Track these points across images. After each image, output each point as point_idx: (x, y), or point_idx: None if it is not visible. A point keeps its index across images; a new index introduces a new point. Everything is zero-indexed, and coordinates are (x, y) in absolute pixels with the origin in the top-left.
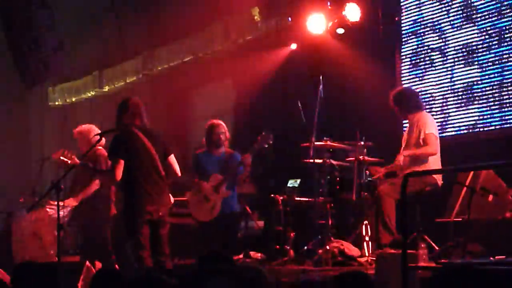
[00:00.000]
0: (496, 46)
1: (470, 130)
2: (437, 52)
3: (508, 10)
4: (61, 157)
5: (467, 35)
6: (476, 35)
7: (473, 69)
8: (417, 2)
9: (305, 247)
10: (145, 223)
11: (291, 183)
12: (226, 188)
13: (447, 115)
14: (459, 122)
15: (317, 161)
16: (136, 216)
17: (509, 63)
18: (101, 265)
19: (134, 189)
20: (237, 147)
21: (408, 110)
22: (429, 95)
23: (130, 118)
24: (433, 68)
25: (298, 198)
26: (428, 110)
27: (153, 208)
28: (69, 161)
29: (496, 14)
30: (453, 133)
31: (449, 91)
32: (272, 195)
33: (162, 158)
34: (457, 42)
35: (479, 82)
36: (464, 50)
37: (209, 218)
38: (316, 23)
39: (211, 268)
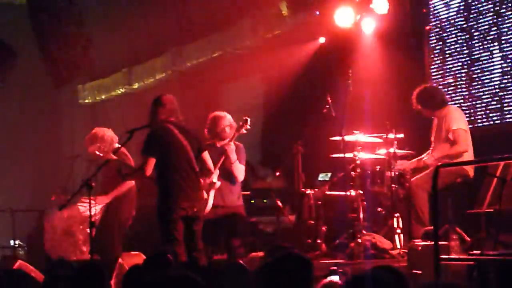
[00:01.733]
0: None
1: (501, 120)
2: (465, 43)
3: None
4: (97, 152)
5: (496, 25)
6: (506, 24)
7: (502, 59)
8: None
9: (337, 241)
10: (180, 219)
11: (322, 176)
12: (225, 181)
13: (476, 105)
14: (489, 112)
15: (347, 154)
16: (171, 212)
17: None
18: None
19: (168, 185)
20: (268, 142)
21: (434, 107)
22: (458, 87)
23: (165, 114)
24: (462, 59)
25: (329, 192)
26: (457, 102)
27: (188, 204)
28: (103, 155)
29: None
30: (483, 123)
31: (478, 82)
32: (303, 189)
33: (196, 154)
34: (486, 32)
35: (509, 72)
36: (492, 41)
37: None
38: (344, 16)
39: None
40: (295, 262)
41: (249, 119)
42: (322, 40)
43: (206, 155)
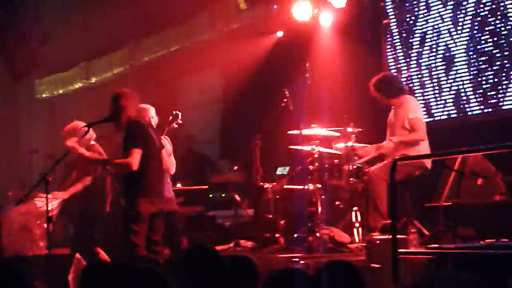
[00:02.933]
0: (485, 24)
1: (458, 114)
2: (422, 36)
3: None
4: (74, 145)
5: (451, 19)
6: (462, 16)
7: (459, 52)
8: None
9: (296, 235)
10: (149, 214)
11: (280, 170)
12: None
13: (434, 99)
14: (446, 106)
15: (305, 148)
16: (139, 206)
17: (495, 50)
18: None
19: (143, 180)
20: (226, 136)
21: (391, 95)
22: (415, 79)
23: (133, 110)
24: (419, 52)
25: (287, 186)
26: (415, 95)
27: (158, 200)
28: (79, 150)
29: None
30: (441, 117)
31: (435, 75)
32: (261, 183)
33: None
34: (443, 25)
35: (464, 66)
36: (448, 32)
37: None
38: (302, 10)
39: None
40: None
41: (180, 114)
42: (280, 34)
43: (164, 152)
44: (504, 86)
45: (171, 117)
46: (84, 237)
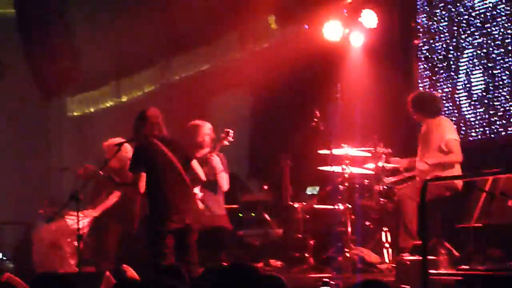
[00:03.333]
0: None
1: (489, 135)
2: (454, 56)
3: None
4: (86, 173)
5: (484, 39)
6: (492, 39)
7: (491, 72)
8: (433, 8)
9: (325, 255)
10: (170, 233)
11: (310, 190)
12: (209, 191)
13: (465, 119)
14: (477, 126)
15: (335, 168)
16: (160, 226)
17: None
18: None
19: (157, 200)
20: (255, 155)
21: (429, 114)
22: (447, 100)
23: (149, 128)
24: (450, 73)
25: (317, 206)
26: (446, 115)
27: (178, 217)
28: (85, 176)
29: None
30: (472, 137)
31: (467, 95)
32: (291, 203)
33: (185, 165)
34: (474, 46)
35: (497, 86)
36: (481, 53)
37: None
38: (333, 30)
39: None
40: None
41: (231, 132)
42: (310, 53)
43: (195, 163)
44: None
45: (222, 135)
46: (112, 255)
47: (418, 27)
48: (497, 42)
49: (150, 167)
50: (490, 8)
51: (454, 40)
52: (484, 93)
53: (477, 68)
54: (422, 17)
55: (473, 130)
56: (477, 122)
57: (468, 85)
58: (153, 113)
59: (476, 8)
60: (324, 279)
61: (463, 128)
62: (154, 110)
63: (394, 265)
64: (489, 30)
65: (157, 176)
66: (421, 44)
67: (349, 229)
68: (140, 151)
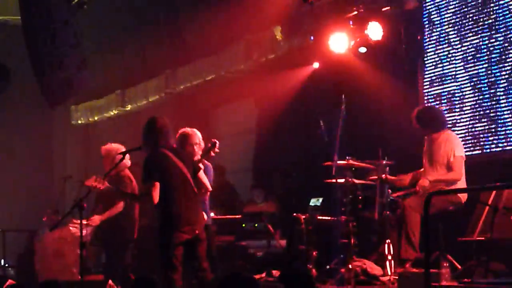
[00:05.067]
0: None
1: (494, 149)
2: (461, 70)
3: None
4: (94, 184)
5: (491, 53)
6: (498, 53)
7: (497, 88)
8: (439, 20)
9: (328, 266)
10: (181, 244)
11: (313, 202)
12: None
13: (470, 134)
14: (482, 141)
15: (339, 180)
16: (172, 238)
17: None
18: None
19: (169, 211)
20: (260, 166)
21: (433, 129)
22: (452, 114)
23: (158, 138)
24: (456, 87)
25: (320, 217)
26: (452, 129)
27: (189, 227)
28: (102, 187)
29: None
30: (476, 152)
31: (472, 110)
32: (294, 214)
33: (193, 176)
34: (481, 60)
35: (503, 101)
36: (488, 68)
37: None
38: (339, 42)
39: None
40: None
41: (217, 142)
42: (316, 65)
43: (201, 174)
44: None
45: (208, 144)
46: (116, 263)
47: (424, 39)
48: (506, 55)
49: (164, 177)
50: (496, 22)
51: (461, 52)
52: (490, 107)
53: (483, 83)
54: (428, 30)
55: (477, 144)
56: (482, 136)
57: (473, 98)
58: (162, 122)
59: (481, 21)
60: None
61: (469, 142)
62: (163, 119)
63: (396, 277)
64: (499, 41)
65: (169, 186)
66: (426, 57)
67: (352, 241)
68: (152, 161)
